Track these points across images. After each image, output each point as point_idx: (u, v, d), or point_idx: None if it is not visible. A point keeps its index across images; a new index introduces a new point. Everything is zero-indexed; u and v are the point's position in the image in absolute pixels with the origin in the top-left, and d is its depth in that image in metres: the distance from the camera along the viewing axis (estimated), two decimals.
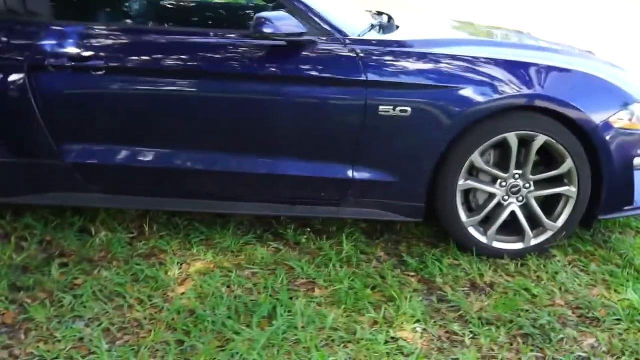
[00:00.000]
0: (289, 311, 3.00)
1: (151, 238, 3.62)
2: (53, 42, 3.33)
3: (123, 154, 3.47)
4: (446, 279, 3.34)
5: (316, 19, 3.37)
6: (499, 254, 3.54)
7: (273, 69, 3.35)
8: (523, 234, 3.53)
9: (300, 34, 3.27)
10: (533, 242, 3.55)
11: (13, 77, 3.31)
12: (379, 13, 4.31)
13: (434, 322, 3.01)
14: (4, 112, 3.38)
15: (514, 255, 3.55)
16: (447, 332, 2.96)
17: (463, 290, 3.26)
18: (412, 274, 3.39)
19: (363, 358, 2.74)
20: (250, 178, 3.48)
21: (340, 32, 3.39)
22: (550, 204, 3.55)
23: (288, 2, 3.38)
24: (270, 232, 3.73)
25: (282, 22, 3.23)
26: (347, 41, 3.37)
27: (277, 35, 3.23)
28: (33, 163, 3.49)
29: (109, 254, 3.46)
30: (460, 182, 3.43)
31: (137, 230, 3.72)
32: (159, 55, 3.38)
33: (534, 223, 3.54)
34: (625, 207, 3.58)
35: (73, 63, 3.32)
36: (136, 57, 3.37)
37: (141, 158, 3.46)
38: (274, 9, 3.52)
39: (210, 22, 4.09)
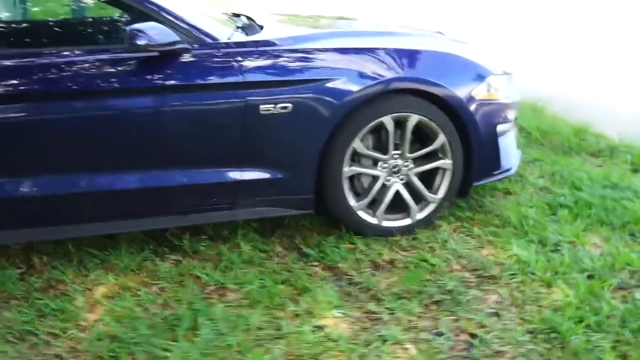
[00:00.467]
0: (210, 319, 3.01)
1: (44, 270, 3.47)
2: None
3: (5, 185, 3.31)
4: (349, 264, 3.48)
5: (186, 26, 3.39)
6: (390, 232, 3.72)
7: (150, 81, 3.33)
8: (409, 210, 3.73)
9: (174, 43, 3.27)
10: (419, 216, 3.76)
11: None
12: (236, 15, 4.36)
13: (350, 305, 3.14)
14: None
15: (404, 231, 3.75)
16: (365, 312, 3.10)
17: (367, 271, 3.42)
18: (315, 264, 3.51)
19: (296, 350, 2.82)
20: (139, 193, 3.44)
21: (211, 37, 3.44)
22: (428, 179, 3.77)
23: (155, 12, 3.37)
24: (165, 245, 3.70)
25: (155, 32, 3.22)
26: (220, 46, 3.41)
27: (153, 46, 3.21)
28: None
29: (3, 293, 3.30)
30: (346, 169, 3.57)
31: (26, 264, 3.56)
32: (30, 78, 3.27)
33: (417, 198, 3.75)
34: (494, 172, 3.88)
35: None
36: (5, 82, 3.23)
37: (22, 188, 3.32)
38: (139, 20, 3.47)
39: (74, 40, 3.95)
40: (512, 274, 3.34)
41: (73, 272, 3.46)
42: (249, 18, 4.25)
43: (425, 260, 3.47)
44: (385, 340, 2.88)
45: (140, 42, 3.19)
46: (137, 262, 3.53)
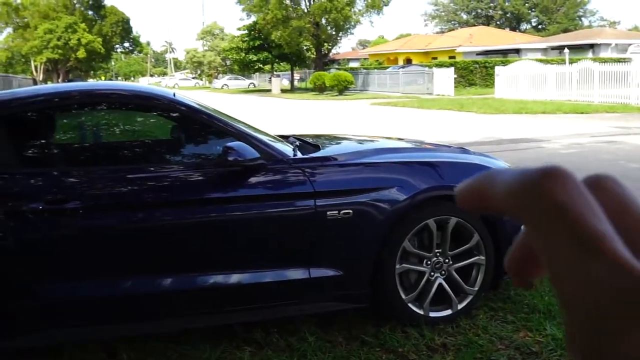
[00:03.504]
0: None
1: None
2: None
3: (98, 286, 3.72)
4: (407, 348, 3.94)
5: (262, 145, 3.96)
6: (436, 321, 4.21)
7: (233, 191, 3.86)
8: (451, 302, 4.25)
9: (255, 159, 3.83)
10: (459, 306, 4.27)
11: None
12: (285, 137, 4.95)
13: None
14: None
15: (447, 320, 4.24)
16: None
17: (425, 353, 3.88)
18: (377, 349, 3.96)
19: None
20: (220, 291, 3.88)
21: (281, 154, 4.00)
22: (464, 274, 4.31)
23: (238, 134, 3.95)
24: (238, 339, 4.11)
25: (242, 150, 3.78)
26: (290, 161, 3.98)
27: (240, 161, 3.77)
28: (10, 305, 3.63)
29: None
30: (397, 266, 4.10)
31: (112, 359, 3.92)
32: (132, 191, 3.76)
33: (457, 291, 4.27)
34: None
35: (49, 206, 3.60)
36: (110, 195, 3.72)
37: (118, 288, 3.74)
38: (219, 137, 4.02)
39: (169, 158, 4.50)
40: (551, 350, 3.86)
41: None
42: (299, 139, 4.86)
43: (473, 342, 3.96)
44: None
45: (231, 158, 3.74)
46: (216, 354, 3.93)
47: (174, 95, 4.18)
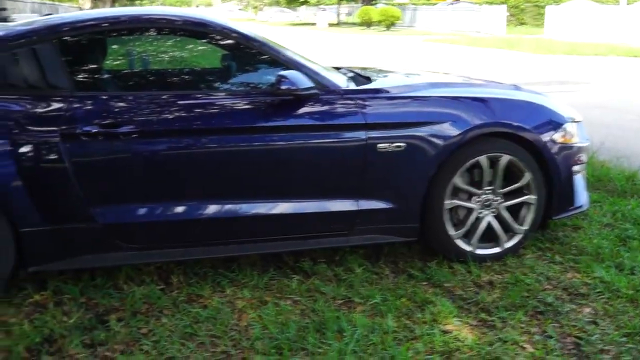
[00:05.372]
0: (350, 324, 3.47)
1: (181, 287, 3.93)
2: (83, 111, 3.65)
3: (152, 211, 3.79)
4: (453, 283, 3.96)
5: (315, 75, 3.93)
6: (483, 259, 4.22)
7: (285, 121, 3.86)
8: (499, 240, 4.24)
9: (309, 89, 3.81)
10: (507, 245, 4.27)
11: (47, 147, 3.59)
12: (337, 68, 4.92)
13: (465, 315, 3.62)
14: (38, 182, 3.61)
15: (494, 258, 4.25)
16: (479, 321, 3.57)
17: (471, 290, 3.90)
18: (424, 283, 3.98)
19: (432, 348, 3.28)
20: (273, 219, 3.92)
21: (334, 85, 3.98)
22: (513, 213, 4.28)
23: (293, 63, 3.94)
24: (286, 267, 4.17)
25: (296, 79, 3.77)
26: (343, 92, 3.96)
27: (292, 90, 3.76)
28: (67, 228, 3.71)
29: (153, 305, 3.74)
30: (447, 201, 4.08)
31: (162, 282, 4.01)
32: (183, 117, 3.78)
33: (506, 229, 4.26)
34: (569, 208, 4.41)
35: (103, 130, 3.64)
36: (162, 121, 3.74)
37: (171, 213, 3.80)
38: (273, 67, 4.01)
39: (215, 85, 4.49)
40: (599, 292, 3.84)
41: (209, 288, 3.91)
42: (350, 70, 4.82)
43: (520, 281, 3.96)
44: (504, 341, 3.36)
45: (284, 86, 3.73)
46: (264, 280, 3.99)
47: (226, 22, 4.16)
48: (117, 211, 3.75)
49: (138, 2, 74.38)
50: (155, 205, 3.79)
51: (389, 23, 41.06)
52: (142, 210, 3.77)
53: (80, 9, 58.35)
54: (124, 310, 3.68)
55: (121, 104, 3.73)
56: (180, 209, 3.82)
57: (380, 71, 5.08)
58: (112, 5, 64.79)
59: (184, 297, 3.83)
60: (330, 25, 50.18)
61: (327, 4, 62.10)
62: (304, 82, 3.80)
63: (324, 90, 3.93)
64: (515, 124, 4.11)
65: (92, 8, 63.86)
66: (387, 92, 4.08)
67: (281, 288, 3.92)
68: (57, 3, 53.96)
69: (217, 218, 3.86)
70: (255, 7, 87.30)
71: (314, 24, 52.24)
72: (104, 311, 3.69)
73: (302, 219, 3.97)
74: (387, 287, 3.90)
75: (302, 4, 58.88)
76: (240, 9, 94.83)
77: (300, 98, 3.85)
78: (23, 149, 3.55)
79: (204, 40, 4.19)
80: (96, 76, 4.12)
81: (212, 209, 3.86)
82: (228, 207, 3.87)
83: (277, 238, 4.02)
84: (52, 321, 3.55)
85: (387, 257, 4.34)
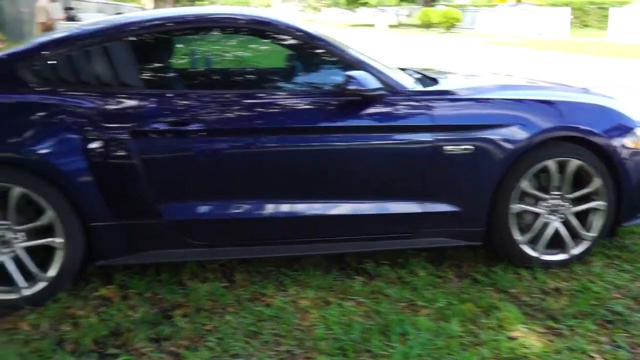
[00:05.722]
0: (415, 328, 3.44)
1: (245, 285, 3.95)
2: (153, 109, 3.71)
3: (217, 208, 3.81)
4: (519, 289, 3.90)
5: (382, 76, 3.91)
6: (548, 265, 4.15)
7: (351, 121, 3.85)
8: (565, 246, 4.16)
9: (376, 90, 3.79)
10: (574, 252, 4.19)
11: (117, 144, 3.65)
12: (402, 69, 4.89)
13: (532, 322, 3.55)
14: (107, 178, 3.67)
15: (561, 265, 4.17)
16: (546, 328, 3.51)
17: (537, 296, 3.83)
18: (488, 288, 3.93)
19: (498, 355, 3.24)
20: (337, 220, 3.91)
21: (401, 86, 3.95)
22: (580, 219, 4.19)
23: (360, 64, 3.94)
24: (349, 268, 4.16)
25: (364, 79, 3.75)
26: (410, 93, 3.93)
27: (360, 91, 3.74)
28: (135, 224, 3.77)
29: (217, 302, 3.76)
30: (514, 206, 4.02)
31: (226, 280, 4.04)
32: (249, 116, 3.80)
33: (573, 235, 4.18)
34: (638, 215, 4.30)
35: (172, 127, 3.68)
36: (230, 119, 3.77)
37: (236, 211, 3.82)
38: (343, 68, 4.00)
39: (280, 84, 4.50)
40: None
41: (273, 287, 3.93)
42: (417, 72, 4.79)
43: (587, 289, 3.88)
44: (572, 350, 3.29)
45: (352, 87, 3.73)
46: (328, 281, 3.99)
47: (291, 20, 4.17)
48: (183, 208, 3.78)
49: (199, 2, 75.27)
50: (220, 203, 3.82)
51: (449, 25, 40.78)
52: (207, 208, 3.80)
53: (143, 8, 59.40)
54: (188, 307, 3.71)
55: (189, 102, 3.77)
56: (244, 208, 3.84)
57: (445, 73, 5.02)
58: (174, 6, 65.84)
59: (248, 295, 3.85)
60: (390, 26, 50.00)
61: (386, 5, 61.97)
62: (372, 82, 3.78)
63: (391, 91, 3.91)
64: (585, 127, 4.03)
65: (154, 8, 64.88)
66: (455, 93, 4.04)
67: (344, 289, 3.91)
68: (120, 3, 54.88)
69: (281, 217, 3.87)
70: (315, 8, 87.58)
71: (372, 25, 52.16)
72: (168, 306, 3.73)
73: (366, 221, 3.95)
74: (451, 291, 3.86)
75: (362, 5, 58.84)
76: (299, 10, 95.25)
77: (367, 99, 3.83)
78: (94, 145, 3.62)
79: (268, 39, 4.20)
80: (164, 74, 4.18)
81: (276, 208, 3.87)
82: (292, 206, 3.87)
83: (341, 239, 4.01)
84: (118, 315, 3.62)
85: (451, 260, 4.30)
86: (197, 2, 74.23)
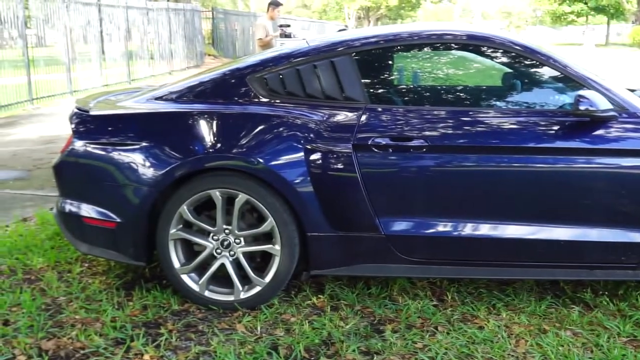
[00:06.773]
0: None
1: (455, 305, 3.89)
2: (375, 123, 3.75)
3: (434, 225, 3.78)
4: None
5: (614, 97, 3.71)
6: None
7: (579, 143, 3.66)
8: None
9: (608, 111, 3.60)
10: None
11: (339, 156, 3.72)
12: (631, 90, 4.63)
13: None
14: (327, 189, 3.75)
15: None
16: None
17: None
18: None
19: None
20: (556, 245, 3.73)
21: (634, 108, 3.71)
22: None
23: (582, 79, 3.79)
24: (565, 296, 3.99)
25: (595, 100, 3.57)
26: None
27: (591, 111, 3.56)
28: (352, 236, 3.82)
29: (428, 320, 3.73)
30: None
31: (436, 298, 4.00)
32: (472, 134, 3.74)
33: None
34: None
35: (394, 142, 3.69)
36: (453, 136, 3.72)
37: (453, 230, 3.76)
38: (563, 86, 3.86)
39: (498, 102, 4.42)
40: None
41: (484, 309, 3.84)
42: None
43: None
44: None
45: (583, 107, 3.56)
46: (542, 308, 3.84)
47: (510, 35, 4.08)
48: (401, 223, 3.79)
49: (400, 20, 76.03)
50: (437, 221, 3.78)
51: None
52: (424, 224, 3.78)
53: (346, 26, 60.91)
54: (398, 322, 3.72)
55: (412, 118, 3.77)
56: (461, 227, 3.77)
57: None
58: (376, 24, 66.96)
59: (459, 315, 3.79)
60: (597, 45, 47.90)
61: (595, 24, 59.46)
62: (604, 103, 3.60)
63: (623, 113, 3.70)
64: None
65: (356, 27, 66.33)
66: None
67: (560, 318, 3.75)
68: (324, 20, 56.60)
69: (496, 239, 3.76)
70: (518, 26, 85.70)
71: (580, 44, 50.22)
72: (378, 321, 3.76)
73: (588, 248, 3.76)
74: None
75: (568, 23, 56.82)
76: (501, 29, 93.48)
77: (596, 120, 3.65)
78: (316, 157, 3.71)
79: (488, 56, 4.12)
80: (387, 89, 4.21)
81: (493, 229, 3.76)
82: (509, 228, 3.76)
83: (558, 265, 3.84)
84: (330, 325, 3.68)
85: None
86: (397, 21, 75.07)
